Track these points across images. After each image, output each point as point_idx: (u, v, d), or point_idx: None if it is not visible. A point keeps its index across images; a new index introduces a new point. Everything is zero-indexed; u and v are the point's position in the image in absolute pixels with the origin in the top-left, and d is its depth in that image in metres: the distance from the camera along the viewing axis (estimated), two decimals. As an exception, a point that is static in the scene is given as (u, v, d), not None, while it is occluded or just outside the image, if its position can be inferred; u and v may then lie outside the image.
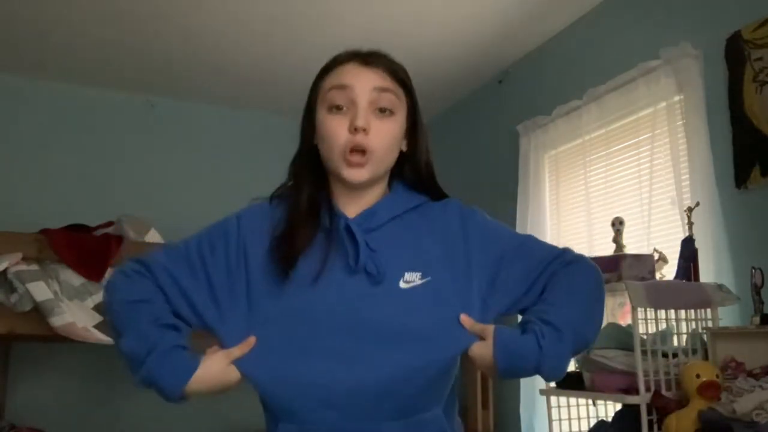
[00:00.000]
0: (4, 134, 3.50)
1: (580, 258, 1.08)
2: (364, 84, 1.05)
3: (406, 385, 0.97)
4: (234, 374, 1.00)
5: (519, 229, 3.05)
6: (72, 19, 2.96)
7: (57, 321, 2.32)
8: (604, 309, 1.09)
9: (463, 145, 3.74)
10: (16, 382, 3.29)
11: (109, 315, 1.08)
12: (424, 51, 3.19)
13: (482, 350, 0.97)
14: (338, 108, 1.05)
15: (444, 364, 0.99)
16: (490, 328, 0.97)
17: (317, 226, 1.07)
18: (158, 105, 3.84)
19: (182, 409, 3.66)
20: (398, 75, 1.09)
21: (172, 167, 3.81)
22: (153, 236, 2.76)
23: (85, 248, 2.49)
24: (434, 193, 1.14)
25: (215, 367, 1.00)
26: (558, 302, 1.01)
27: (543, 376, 0.98)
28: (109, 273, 2.48)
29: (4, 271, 2.33)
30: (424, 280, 1.02)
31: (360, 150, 1.03)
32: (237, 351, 1.01)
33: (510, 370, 0.97)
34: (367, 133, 1.03)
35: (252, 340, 1.01)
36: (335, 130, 1.04)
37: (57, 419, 3.20)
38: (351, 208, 1.08)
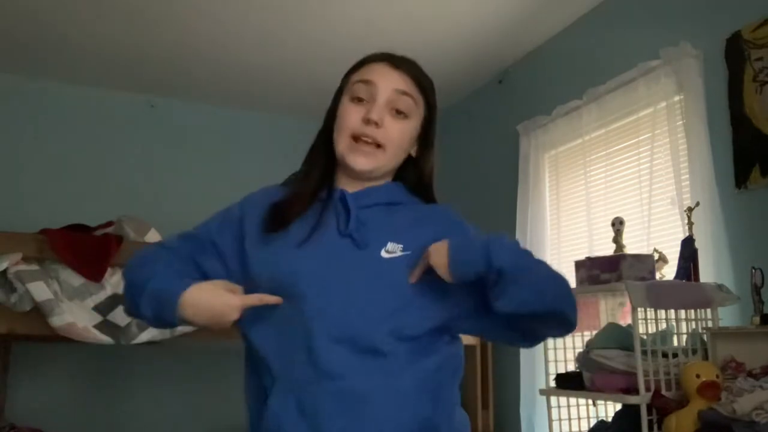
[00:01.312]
0: (4, 134, 3.50)
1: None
2: (387, 84, 1.13)
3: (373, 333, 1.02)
4: (233, 314, 1.03)
5: (519, 229, 3.05)
6: (72, 19, 2.96)
7: (57, 321, 2.32)
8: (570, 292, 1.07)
9: (463, 145, 3.74)
10: (16, 382, 3.29)
11: (127, 277, 1.13)
12: (424, 51, 3.17)
13: (437, 244, 1.03)
14: (359, 100, 1.13)
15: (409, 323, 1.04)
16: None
17: (315, 198, 1.14)
18: (158, 105, 3.84)
19: (182, 409, 3.65)
20: (422, 84, 1.17)
21: (172, 167, 3.81)
22: (153, 236, 2.76)
23: (85, 248, 2.48)
24: (427, 198, 1.20)
25: (221, 295, 1.03)
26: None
27: (495, 268, 0.99)
28: (109, 273, 2.48)
29: (4, 271, 2.33)
30: (404, 253, 1.07)
31: (368, 140, 1.10)
32: (253, 299, 1.04)
33: (460, 261, 1.01)
34: (379, 127, 1.10)
35: (267, 297, 1.04)
36: (350, 116, 1.12)
37: (57, 419, 3.20)
38: (351, 189, 1.14)
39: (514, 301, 1.00)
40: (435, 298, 1.07)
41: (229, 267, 1.13)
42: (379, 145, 1.11)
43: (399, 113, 1.13)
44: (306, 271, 1.05)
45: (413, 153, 1.19)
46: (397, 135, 1.13)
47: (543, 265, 1.07)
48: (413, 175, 1.20)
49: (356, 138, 1.11)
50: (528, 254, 1.06)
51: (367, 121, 1.10)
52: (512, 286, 1.00)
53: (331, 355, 1.01)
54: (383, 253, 1.07)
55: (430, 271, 1.05)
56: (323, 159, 1.17)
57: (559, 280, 1.06)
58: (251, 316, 1.07)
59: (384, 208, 1.13)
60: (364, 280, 1.05)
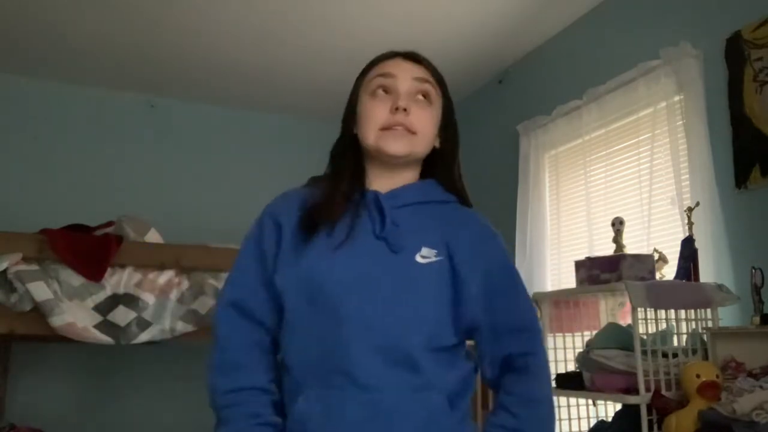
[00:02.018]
0: (4, 134, 3.50)
1: (539, 377, 1.11)
2: (406, 73, 1.14)
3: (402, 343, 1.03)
4: None
5: (519, 229, 3.05)
6: (72, 19, 2.96)
7: (57, 321, 2.32)
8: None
9: (463, 145, 3.70)
10: (16, 382, 3.29)
11: (212, 402, 1.12)
12: (425, 51, 3.17)
13: None
14: (383, 91, 1.13)
15: (432, 337, 1.05)
16: None
17: (349, 201, 1.13)
18: (158, 105, 3.84)
19: (182, 409, 3.65)
20: (436, 73, 1.19)
21: (172, 167, 3.81)
22: (153, 236, 2.75)
23: (85, 248, 2.48)
24: (462, 197, 1.20)
25: None
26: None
27: None
28: (108, 273, 2.48)
29: (4, 271, 2.32)
30: (438, 258, 1.08)
31: (398, 127, 1.10)
32: None
33: None
34: (408, 113, 1.10)
35: None
36: (375, 110, 1.12)
37: (57, 419, 3.20)
38: (383, 188, 1.14)
39: None
40: (465, 309, 1.08)
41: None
42: (411, 131, 1.11)
43: (422, 100, 1.14)
44: (342, 277, 1.05)
45: (437, 144, 1.19)
46: (425, 121, 1.14)
47: None
48: (444, 171, 1.20)
49: (385, 128, 1.11)
50: None
51: (395, 110, 1.10)
52: None
53: (365, 365, 1.01)
54: (418, 258, 1.07)
55: (461, 280, 1.07)
56: (351, 160, 1.17)
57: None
58: (284, 322, 1.08)
59: (417, 207, 1.14)
60: (401, 286, 1.05)
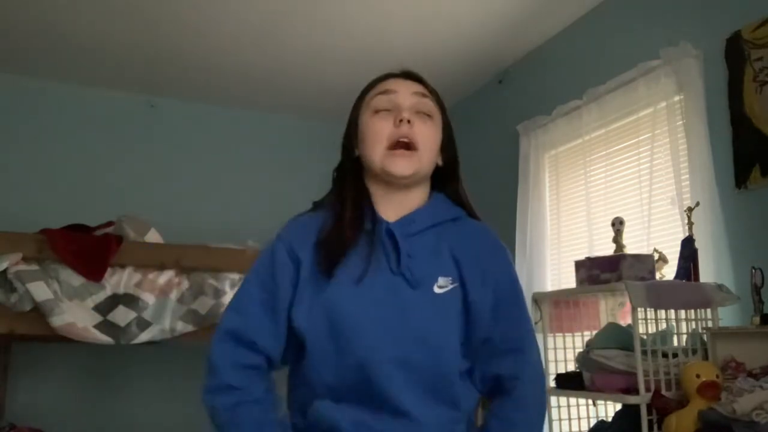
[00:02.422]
0: (4, 134, 3.50)
1: (532, 392, 1.15)
2: (406, 89, 1.16)
3: (423, 374, 1.06)
4: None
5: (519, 229, 3.05)
6: (72, 19, 2.96)
7: (57, 321, 2.32)
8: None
9: (463, 145, 3.69)
10: (16, 382, 3.29)
11: (216, 419, 1.09)
12: (425, 51, 3.19)
13: None
14: (383, 110, 1.14)
15: (449, 366, 1.09)
16: None
17: (361, 229, 1.13)
18: (158, 105, 3.84)
19: (182, 409, 3.65)
20: (434, 92, 1.21)
21: (172, 167, 3.81)
22: (153, 236, 2.76)
23: (85, 248, 2.48)
24: (469, 210, 1.22)
25: None
26: None
27: None
28: (108, 273, 2.48)
29: (4, 271, 2.33)
30: (453, 285, 1.11)
31: (405, 144, 1.11)
32: None
33: None
34: (412, 126, 1.12)
35: None
36: (380, 127, 1.13)
37: (57, 419, 3.20)
38: (391, 212, 1.14)
39: None
40: (477, 329, 1.12)
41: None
42: (414, 148, 1.12)
43: (423, 114, 1.16)
44: (365, 315, 1.06)
45: (439, 162, 1.20)
46: (428, 135, 1.15)
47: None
48: (451, 184, 1.22)
49: (392, 146, 1.11)
50: None
51: (399, 122, 1.11)
52: None
53: (403, 400, 1.04)
54: (436, 289, 1.09)
55: (472, 302, 1.10)
56: (352, 185, 1.17)
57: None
58: (306, 354, 1.08)
59: (430, 232, 1.15)
60: (426, 318, 1.07)
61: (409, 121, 1.12)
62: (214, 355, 1.10)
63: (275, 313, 1.10)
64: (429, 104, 1.17)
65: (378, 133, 1.12)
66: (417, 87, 1.17)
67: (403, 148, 1.11)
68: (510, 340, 1.13)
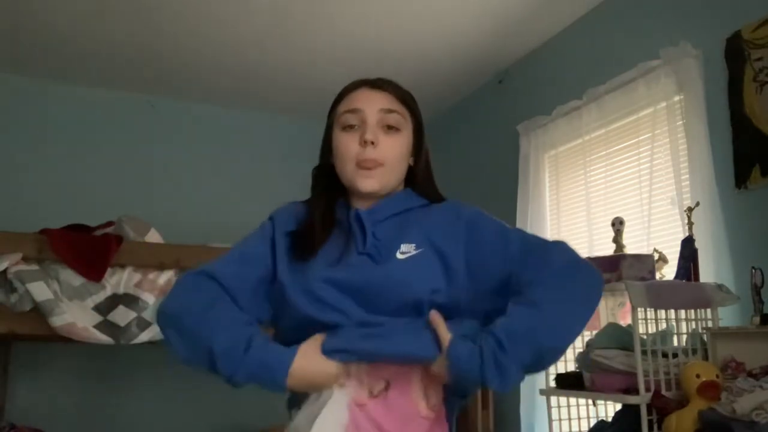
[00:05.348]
0: (4, 134, 3.50)
1: (571, 262, 1.09)
2: (372, 106, 1.18)
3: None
4: (333, 382, 1.05)
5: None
6: (72, 19, 2.96)
7: (57, 321, 2.32)
8: (591, 311, 1.07)
9: (463, 145, 3.74)
10: (16, 382, 3.29)
11: (182, 325, 1.09)
12: (425, 51, 3.19)
13: (438, 366, 1.04)
14: (351, 127, 1.19)
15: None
16: (446, 339, 1.03)
17: (333, 224, 1.20)
18: (158, 105, 3.84)
19: (182, 409, 3.64)
20: (404, 98, 1.22)
21: (172, 167, 3.81)
22: (153, 236, 2.76)
23: (85, 248, 2.48)
24: (434, 197, 1.24)
25: (321, 363, 1.05)
26: (515, 312, 1.03)
27: (493, 388, 1.00)
28: (109, 273, 2.48)
29: (4, 271, 2.33)
30: (418, 251, 1.12)
31: (369, 164, 1.15)
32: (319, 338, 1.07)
33: (461, 382, 1.05)
34: (376, 145, 1.16)
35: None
36: (347, 145, 1.18)
37: (57, 419, 3.20)
38: (364, 206, 1.20)
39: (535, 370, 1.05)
40: (457, 283, 1.11)
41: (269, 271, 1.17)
42: (379, 163, 1.16)
43: (390, 129, 1.18)
44: (337, 286, 1.09)
45: (411, 163, 1.24)
46: (394, 150, 1.18)
47: (548, 307, 1.02)
48: (420, 185, 1.25)
49: (359, 164, 1.16)
50: (525, 328, 1.01)
51: (364, 143, 1.15)
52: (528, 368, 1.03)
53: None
54: (398, 255, 1.12)
55: (450, 256, 1.11)
56: (329, 187, 1.23)
57: (569, 328, 1.05)
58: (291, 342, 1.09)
59: (397, 217, 1.19)
60: (386, 287, 1.09)
61: (372, 143, 1.15)
62: (184, 281, 1.15)
63: (247, 264, 1.15)
64: (396, 118, 1.19)
65: (346, 152, 1.17)
66: (384, 101, 1.19)
67: (369, 168, 1.16)
68: (525, 262, 1.08)
